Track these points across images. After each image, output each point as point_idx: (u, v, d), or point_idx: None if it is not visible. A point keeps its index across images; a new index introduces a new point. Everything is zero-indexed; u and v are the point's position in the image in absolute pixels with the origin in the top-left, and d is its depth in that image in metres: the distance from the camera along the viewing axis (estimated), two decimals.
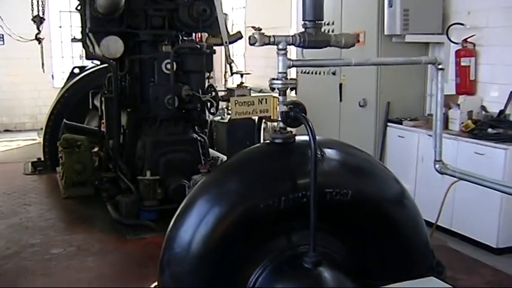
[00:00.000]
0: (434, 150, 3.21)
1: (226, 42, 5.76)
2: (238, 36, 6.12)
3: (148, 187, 5.03)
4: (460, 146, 4.57)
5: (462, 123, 4.84)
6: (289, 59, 2.56)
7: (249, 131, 5.73)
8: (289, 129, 2.60)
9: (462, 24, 5.00)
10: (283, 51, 2.54)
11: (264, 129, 2.82)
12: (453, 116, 4.96)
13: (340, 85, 6.09)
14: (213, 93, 5.44)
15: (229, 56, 5.80)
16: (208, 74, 5.67)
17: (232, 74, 5.88)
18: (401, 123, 5.38)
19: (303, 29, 2.62)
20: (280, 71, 2.55)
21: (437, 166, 3.16)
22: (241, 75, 5.72)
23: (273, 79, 2.57)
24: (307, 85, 7.19)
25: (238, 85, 5.63)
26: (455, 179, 3.17)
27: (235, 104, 2.33)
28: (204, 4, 5.39)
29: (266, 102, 2.43)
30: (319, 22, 2.61)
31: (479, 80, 5.01)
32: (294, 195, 2.38)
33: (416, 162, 5.12)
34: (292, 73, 10.03)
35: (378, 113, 5.61)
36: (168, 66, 5.23)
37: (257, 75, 8.26)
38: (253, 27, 2.47)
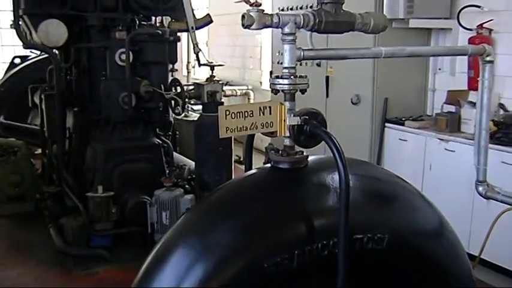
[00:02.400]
0: (476, 168, 2.60)
1: (192, 28, 5.08)
2: (207, 20, 5.44)
3: (100, 206, 4.31)
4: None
5: None
6: (299, 48, 1.86)
7: None
8: (297, 147, 1.92)
9: (478, 6, 4.41)
10: (290, 37, 1.84)
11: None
12: (467, 115, 4.38)
13: (327, 78, 5.44)
14: (178, 89, 4.74)
15: (197, 44, 5.12)
16: (171, 66, 4.99)
17: (200, 65, 5.17)
18: (402, 124, 4.77)
19: (318, 6, 1.92)
20: (286, 65, 1.87)
21: (481, 189, 2.55)
22: (212, 68, 4.98)
23: (276, 77, 1.87)
24: None
25: (208, 79, 4.95)
26: (504, 205, 2.56)
27: (226, 115, 1.61)
28: None
29: (270, 113, 1.72)
30: None
31: (497, 73, 4.43)
32: (312, 246, 1.74)
33: (422, 171, 4.52)
34: (265, 63, 9.38)
35: (374, 112, 4.98)
36: (123, 56, 4.57)
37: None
38: (246, 1, 1.74)
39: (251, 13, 1.78)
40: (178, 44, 5.14)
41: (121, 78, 4.56)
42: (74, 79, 5.16)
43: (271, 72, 7.13)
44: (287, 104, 1.87)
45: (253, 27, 1.80)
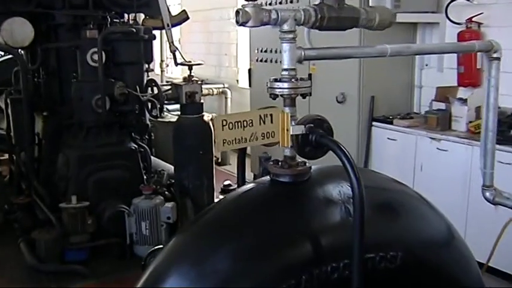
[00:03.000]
0: (482, 172, 2.46)
1: (168, 25, 4.85)
2: (183, 17, 5.23)
3: (75, 217, 4.08)
4: (475, 153, 3.87)
5: (470, 122, 4.15)
6: (300, 48, 1.69)
7: (202, 136, 4.89)
8: (298, 158, 1.75)
9: None
10: (290, 36, 1.67)
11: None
12: (458, 113, 4.27)
13: (310, 76, 5.27)
14: (155, 91, 4.53)
15: (173, 42, 4.91)
16: (147, 66, 4.76)
17: (177, 64, 4.96)
18: (391, 123, 4.63)
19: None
20: (286, 66, 1.69)
21: (488, 194, 2.42)
22: (190, 67, 4.77)
23: (275, 80, 1.69)
24: (264, 77, 6.30)
25: (185, 78, 4.76)
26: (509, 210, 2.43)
27: (222, 126, 1.43)
28: None
29: (271, 121, 1.54)
30: None
31: (486, 69, 4.33)
32: (320, 270, 1.57)
33: (413, 172, 4.39)
34: (241, 61, 9.19)
35: (361, 110, 4.83)
36: (95, 56, 4.32)
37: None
38: None
39: (247, 9, 1.60)
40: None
41: (93, 80, 4.32)
42: (42, 81, 4.90)
43: (249, 70, 6.95)
44: (287, 110, 1.70)
45: (249, 24, 1.62)
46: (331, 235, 1.65)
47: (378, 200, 1.87)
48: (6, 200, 5.03)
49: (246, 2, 1.60)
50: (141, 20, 4.94)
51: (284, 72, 1.71)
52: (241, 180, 1.94)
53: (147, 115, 4.75)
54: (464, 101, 4.30)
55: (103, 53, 4.29)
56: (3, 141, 5.52)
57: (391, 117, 4.74)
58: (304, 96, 1.76)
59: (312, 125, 1.62)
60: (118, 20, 4.79)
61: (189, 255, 1.60)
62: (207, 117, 5.13)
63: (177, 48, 4.97)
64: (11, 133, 5.06)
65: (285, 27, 1.67)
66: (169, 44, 4.89)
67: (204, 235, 1.64)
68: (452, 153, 4.07)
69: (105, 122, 4.43)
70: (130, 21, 4.91)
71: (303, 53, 1.71)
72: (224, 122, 1.49)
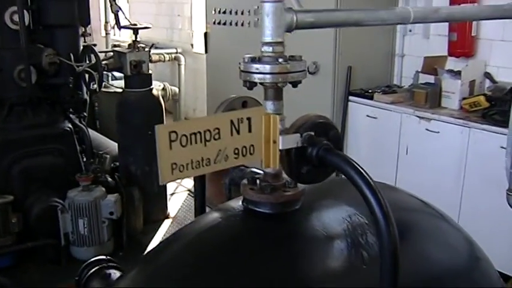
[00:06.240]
0: (508, 173, 2.00)
1: None
2: None
3: None
4: (473, 136, 3.42)
5: (464, 98, 3.69)
6: (290, 9, 1.14)
7: (150, 113, 4.31)
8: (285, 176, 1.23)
9: None
10: None
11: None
12: (449, 87, 3.79)
13: None
14: (93, 59, 3.95)
15: (115, 1, 4.29)
16: (83, 30, 4.14)
17: (120, 28, 4.36)
18: (371, 98, 4.12)
19: None
20: (269, 39, 1.14)
21: None
22: (135, 31, 4.15)
23: (252, 60, 1.14)
24: (222, 42, 5.72)
25: (130, 44, 4.19)
26: None
27: (171, 141, 0.86)
28: None
29: (250, 129, 0.99)
30: None
31: (482, 37, 3.87)
32: None
33: (397, 155, 3.92)
34: (196, 22, 8.50)
35: (336, 83, 4.30)
36: (16, 17, 3.62)
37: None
38: None
39: None
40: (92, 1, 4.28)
41: (15, 47, 3.67)
42: None
43: (205, 34, 6.31)
44: (269, 105, 1.15)
45: None
46: None
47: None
48: None
49: None
50: None
51: (266, 48, 1.16)
52: (200, 206, 1.39)
53: (84, 88, 4.13)
54: (456, 73, 3.83)
55: (26, 12, 3.63)
56: None
57: (370, 90, 4.23)
58: (295, 85, 1.21)
59: (312, 133, 1.07)
60: None
61: None
62: (156, 89, 4.53)
63: (120, 8, 4.37)
64: None
65: None
66: (111, 3, 4.26)
67: None
68: (445, 135, 3.60)
69: (32, 98, 3.81)
70: None
71: (294, 18, 1.16)
72: (173, 136, 0.92)
